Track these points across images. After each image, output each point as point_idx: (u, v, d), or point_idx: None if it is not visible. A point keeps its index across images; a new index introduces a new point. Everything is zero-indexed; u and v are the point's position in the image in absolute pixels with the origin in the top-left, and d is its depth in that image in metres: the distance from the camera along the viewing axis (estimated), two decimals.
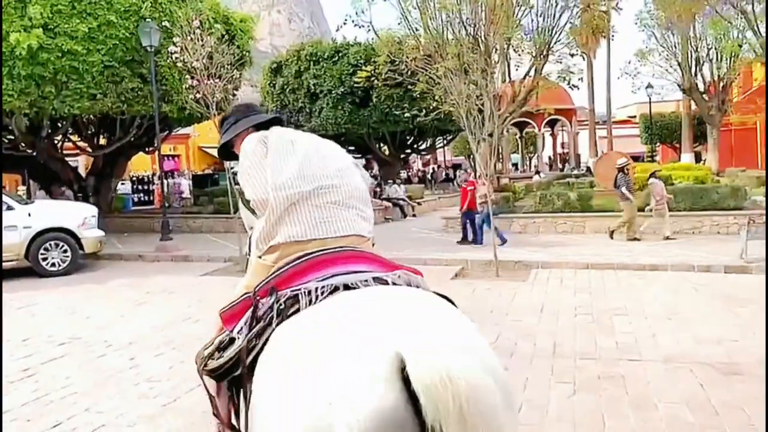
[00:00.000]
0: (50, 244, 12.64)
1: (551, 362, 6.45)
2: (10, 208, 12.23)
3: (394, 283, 2.22)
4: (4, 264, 11.88)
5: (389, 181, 24.64)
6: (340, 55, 25.05)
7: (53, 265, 12.71)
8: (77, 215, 13.07)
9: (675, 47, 26.43)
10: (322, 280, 2.17)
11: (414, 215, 22.81)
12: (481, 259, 12.18)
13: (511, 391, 1.88)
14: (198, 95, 11.73)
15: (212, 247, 15.43)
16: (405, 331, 1.72)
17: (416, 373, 1.56)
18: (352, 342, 1.72)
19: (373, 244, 2.53)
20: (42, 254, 12.57)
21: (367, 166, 31.89)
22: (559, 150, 38.95)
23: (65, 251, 12.78)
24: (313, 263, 2.23)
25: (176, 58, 11.65)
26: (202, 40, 11.74)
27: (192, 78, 11.72)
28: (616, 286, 9.94)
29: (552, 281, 10.55)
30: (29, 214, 12.46)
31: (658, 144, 38.49)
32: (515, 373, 6.16)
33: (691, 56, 26.35)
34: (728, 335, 7.06)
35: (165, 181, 32.69)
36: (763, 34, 15.95)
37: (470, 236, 14.43)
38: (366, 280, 2.17)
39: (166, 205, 19.07)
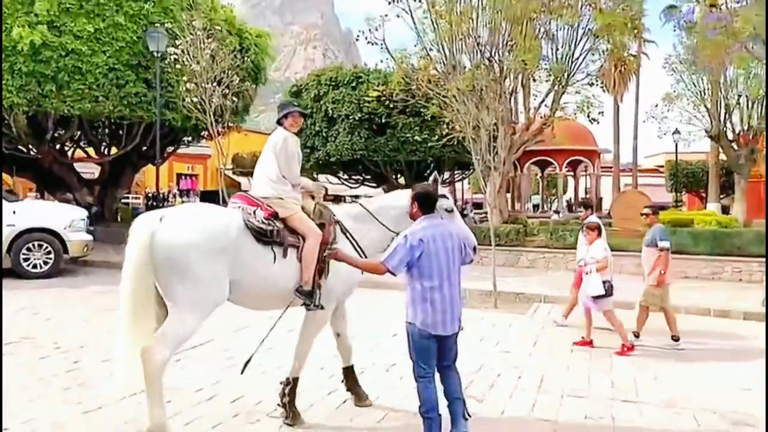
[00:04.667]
0: (33, 245, 12.16)
1: (534, 397, 5.68)
2: None
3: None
4: None
5: None
6: (360, 81, 24.74)
7: (35, 266, 12.21)
8: (64, 217, 12.59)
9: (704, 93, 25.65)
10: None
11: None
12: (482, 289, 11.40)
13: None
14: (195, 99, 11.31)
15: None
16: None
17: None
18: None
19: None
20: (24, 254, 12.09)
21: None
22: (581, 195, 38.02)
23: (48, 253, 12.29)
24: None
25: (175, 60, 11.27)
26: (203, 45, 11.37)
27: (189, 81, 11.32)
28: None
29: (553, 315, 9.73)
30: (14, 212, 12.01)
31: (684, 192, 37.39)
32: (489, 406, 5.41)
33: (721, 103, 25.54)
34: (741, 383, 6.22)
35: (180, 199, 32.87)
36: None
37: None
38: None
39: None
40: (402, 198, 4.95)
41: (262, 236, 4.48)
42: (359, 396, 5.30)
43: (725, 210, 31.50)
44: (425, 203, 4.35)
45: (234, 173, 33.44)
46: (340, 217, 4.96)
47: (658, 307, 8.07)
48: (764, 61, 14.91)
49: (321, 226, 4.76)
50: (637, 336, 7.92)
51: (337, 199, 36.33)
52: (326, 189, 5.50)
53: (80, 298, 10.41)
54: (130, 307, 4.45)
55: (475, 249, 4.58)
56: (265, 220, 4.53)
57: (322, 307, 4.75)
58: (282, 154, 4.79)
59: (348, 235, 4.87)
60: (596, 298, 7.49)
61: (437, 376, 4.33)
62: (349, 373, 5.32)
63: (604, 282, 7.49)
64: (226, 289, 4.42)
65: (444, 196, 4.90)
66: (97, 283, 12.01)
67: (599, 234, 7.87)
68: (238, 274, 4.42)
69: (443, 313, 4.19)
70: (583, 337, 7.79)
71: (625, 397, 5.70)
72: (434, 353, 4.26)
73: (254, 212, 4.55)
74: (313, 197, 5.06)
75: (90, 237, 13.20)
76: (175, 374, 6.01)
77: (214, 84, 11.29)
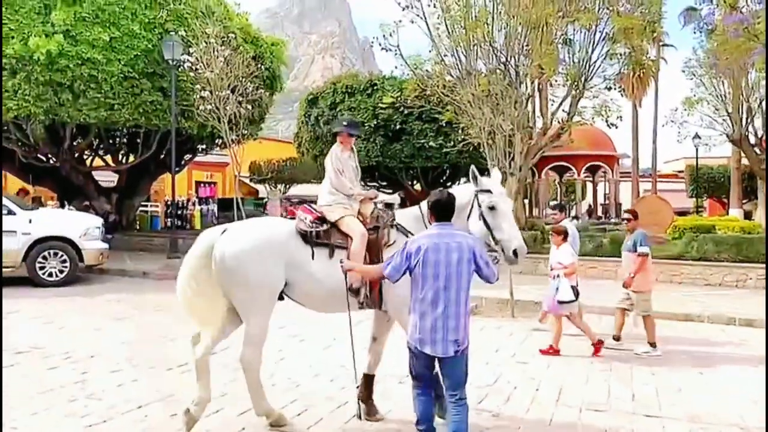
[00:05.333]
0: (49, 253, 12.19)
1: (552, 411, 5.48)
2: (11, 212, 11.86)
3: None
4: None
5: None
6: (375, 88, 24.71)
7: (50, 274, 12.24)
8: (80, 225, 12.61)
9: (725, 96, 25.18)
10: None
11: None
12: (499, 297, 11.18)
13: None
14: (209, 106, 11.27)
15: None
16: None
17: None
18: None
19: None
20: (40, 263, 12.12)
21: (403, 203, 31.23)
22: (600, 201, 37.55)
23: (64, 261, 12.31)
24: None
25: (189, 68, 11.25)
26: (217, 53, 11.33)
27: (203, 89, 11.28)
28: (642, 334, 8.83)
29: (572, 325, 9.49)
30: (30, 221, 12.06)
31: (705, 198, 36.79)
32: (505, 421, 5.22)
33: (743, 106, 25.05)
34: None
35: (199, 207, 32.96)
36: None
37: None
38: None
39: (181, 224, 18.60)
40: (460, 195, 4.62)
41: (305, 238, 4.87)
42: (370, 410, 5.14)
43: (748, 215, 30.91)
44: (435, 209, 4.10)
45: (251, 181, 33.44)
46: (401, 220, 5.05)
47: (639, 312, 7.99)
48: None
49: (376, 229, 4.97)
50: (617, 339, 7.92)
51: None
52: (376, 194, 5.55)
53: (94, 307, 10.39)
54: (188, 310, 4.97)
55: (514, 255, 4.49)
56: (310, 224, 4.90)
57: (378, 308, 4.94)
58: (329, 167, 5.23)
59: (409, 236, 4.74)
60: (563, 302, 7.46)
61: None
62: (368, 383, 5.19)
63: (572, 287, 7.50)
64: (280, 287, 4.80)
65: (487, 191, 4.65)
66: (112, 291, 12.01)
67: (565, 239, 7.85)
68: (290, 274, 4.80)
69: (433, 332, 3.88)
70: (551, 345, 7.61)
71: (647, 411, 5.48)
72: (427, 370, 4.04)
73: (305, 218, 4.95)
74: (375, 203, 5.33)
75: (105, 245, 13.20)
76: (181, 387, 5.91)
77: (228, 92, 11.21)
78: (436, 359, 3.96)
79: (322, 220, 4.97)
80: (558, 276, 7.58)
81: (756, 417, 5.36)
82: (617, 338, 8.03)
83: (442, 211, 4.10)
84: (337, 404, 5.49)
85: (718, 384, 6.43)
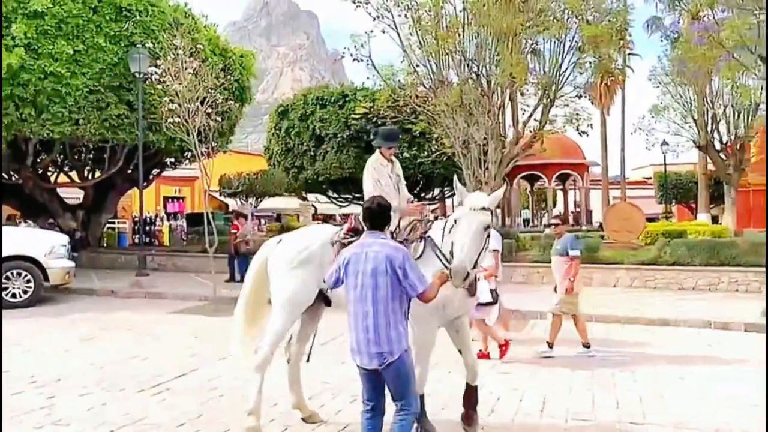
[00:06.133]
0: (12, 273, 11.74)
1: (537, 422, 5.38)
2: None
3: None
4: None
5: None
6: (347, 99, 24.59)
7: (14, 295, 11.78)
8: (44, 243, 12.19)
9: (690, 104, 25.67)
10: None
11: None
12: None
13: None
14: (177, 119, 11.04)
15: (191, 286, 14.49)
16: None
17: None
18: None
19: None
20: (3, 283, 11.66)
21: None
22: (571, 208, 37.94)
23: (28, 281, 11.87)
24: None
25: (156, 80, 11.01)
26: (185, 64, 11.12)
27: (171, 101, 11.05)
28: (621, 341, 8.84)
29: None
30: None
31: (674, 203, 37.37)
32: None
33: (707, 113, 25.54)
34: (749, 399, 5.94)
35: (167, 223, 32.38)
36: None
37: (237, 276, 14.39)
38: None
39: (149, 240, 18.22)
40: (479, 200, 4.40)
41: (342, 248, 4.84)
42: (468, 418, 5.08)
43: (715, 220, 31.46)
44: (367, 217, 4.00)
45: (221, 194, 32.95)
46: (434, 231, 4.83)
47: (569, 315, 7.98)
48: (753, 70, 14.83)
49: (405, 242, 4.78)
50: (550, 346, 7.84)
51: (328, 218, 36.05)
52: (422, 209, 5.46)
53: (61, 328, 10.02)
54: (243, 310, 5.40)
55: (460, 271, 4.01)
56: (344, 235, 4.99)
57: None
58: (366, 178, 5.31)
59: (437, 251, 4.60)
60: (482, 305, 7.23)
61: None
62: (468, 392, 5.14)
63: (491, 290, 7.40)
64: (313, 293, 5.04)
65: (485, 208, 4.25)
66: (79, 310, 11.63)
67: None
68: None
69: (359, 344, 3.79)
70: (480, 350, 7.56)
71: (631, 419, 5.41)
72: (368, 383, 3.88)
73: (341, 229, 5.12)
74: (421, 213, 5.24)
75: (72, 264, 12.80)
76: (156, 409, 5.68)
77: (197, 104, 10.99)
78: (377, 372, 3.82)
79: (355, 231, 4.93)
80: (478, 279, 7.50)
81: (737, 420, 5.33)
82: (551, 345, 7.91)
83: (373, 220, 3.99)
84: (317, 423, 5.31)
85: (699, 388, 6.40)
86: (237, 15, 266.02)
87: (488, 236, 4.31)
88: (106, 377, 6.91)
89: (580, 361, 7.58)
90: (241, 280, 14.09)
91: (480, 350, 7.51)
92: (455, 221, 4.34)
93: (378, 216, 3.99)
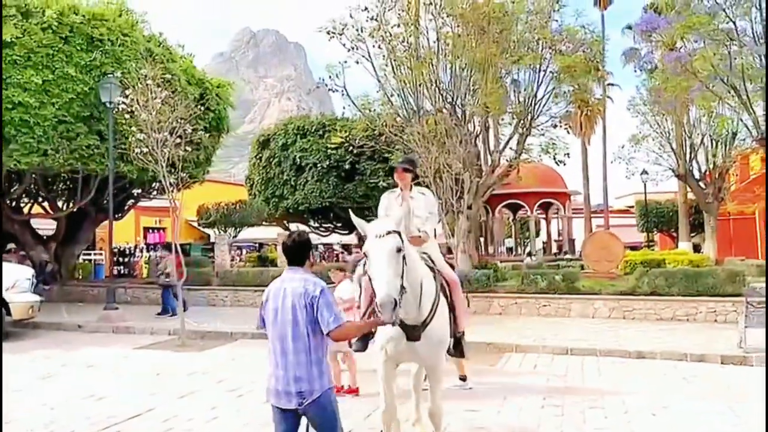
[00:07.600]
0: None
1: None
2: None
3: None
4: None
5: None
6: (326, 129, 24.62)
7: None
8: (7, 277, 11.82)
9: (669, 133, 25.88)
10: None
11: None
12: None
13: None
14: (145, 149, 10.86)
15: (160, 319, 14.15)
16: None
17: None
18: None
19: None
20: None
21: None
22: (555, 237, 37.96)
23: None
24: None
25: (124, 110, 10.85)
26: (154, 94, 10.97)
27: (140, 131, 10.88)
28: (596, 375, 8.63)
29: (525, 366, 9.24)
30: None
31: (655, 232, 37.47)
32: None
33: (686, 142, 25.75)
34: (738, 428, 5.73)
35: (148, 254, 31.89)
36: (756, 112, 15.31)
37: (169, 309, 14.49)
38: None
39: (127, 272, 17.88)
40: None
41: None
42: None
43: (696, 248, 31.54)
44: (286, 253, 3.86)
45: (200, 224, 32.61)
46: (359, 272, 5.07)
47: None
48: (726, 100, 14.95)
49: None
50: (463, 379, 7.69)
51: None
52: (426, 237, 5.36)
53: (19, 365, 9.64)
54: None
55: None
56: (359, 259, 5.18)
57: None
58: (379, 212, 5.37)
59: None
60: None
61: None
62: None
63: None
64: None
65: (390, 232, 4.04)
66: (41, 346, 11.26)
67: (345, 275, 7.92)
68: None
69: (277, 381, 3.65)
70: (349, 386, 7.39)
71: None
72: (282, 427, 3.68)
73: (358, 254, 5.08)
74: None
75: (37, 298, 12.45)
76: None
77: (166, 134, 10.82)
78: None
79: None
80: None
81: None
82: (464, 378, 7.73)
83: (290, 255, 3.85)
84: None
85: (671, 425, 6.18)
86: (224, 46, 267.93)
87: (404, 258, 4.06)
88: (56, 419, 6.60)
89: (550, 397, 7.33)
90: (172, 313, 14.04)
91: (348, 385, 7.38)
92: (365, 254, 4.16)
93: (295, 251, 3.84)
